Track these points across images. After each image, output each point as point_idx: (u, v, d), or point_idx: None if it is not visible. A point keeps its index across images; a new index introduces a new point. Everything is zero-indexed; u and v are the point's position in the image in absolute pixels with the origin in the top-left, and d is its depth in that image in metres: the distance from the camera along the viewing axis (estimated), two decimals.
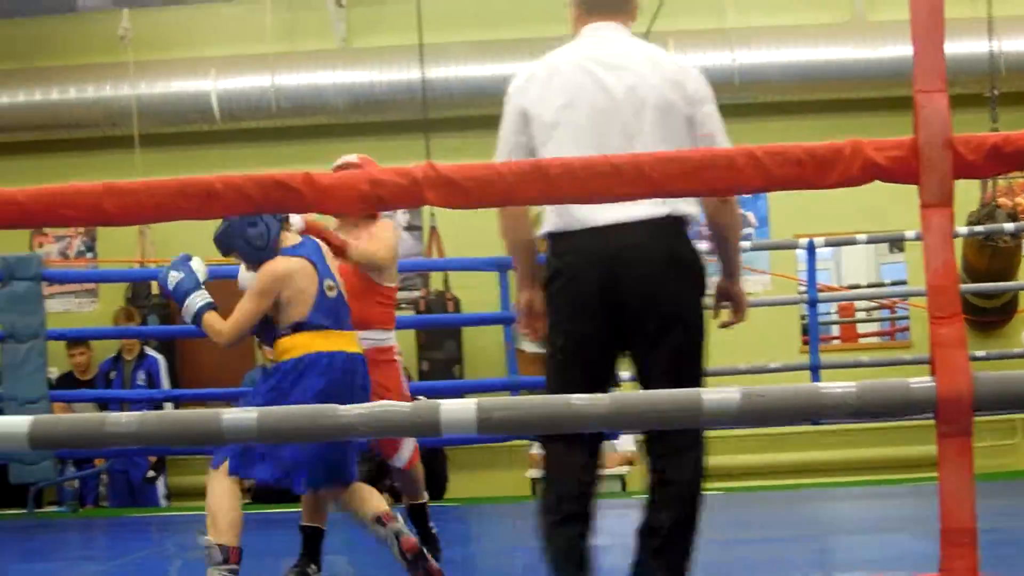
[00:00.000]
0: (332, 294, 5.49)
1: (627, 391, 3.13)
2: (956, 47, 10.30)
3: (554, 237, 4.14)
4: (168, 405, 9.75)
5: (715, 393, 2.81)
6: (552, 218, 4.14)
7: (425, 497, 6.72)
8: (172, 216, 2.91)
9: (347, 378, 5.46)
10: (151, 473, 10.64)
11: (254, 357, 11.42)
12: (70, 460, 10.04)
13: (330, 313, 5.48)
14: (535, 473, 10.20)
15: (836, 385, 2.85)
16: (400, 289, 11.68)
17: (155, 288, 11.18)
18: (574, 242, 4.06)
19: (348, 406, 2.93)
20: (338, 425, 2.89)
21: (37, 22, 11.71)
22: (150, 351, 10.68)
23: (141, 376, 10.52)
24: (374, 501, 5.67)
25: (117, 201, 2.90)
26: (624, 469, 10.22)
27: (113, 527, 8.96)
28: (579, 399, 2.88)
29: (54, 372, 10.40)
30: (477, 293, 10.57)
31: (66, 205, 2.94)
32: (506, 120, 4.28)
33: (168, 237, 11.31)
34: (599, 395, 2.88)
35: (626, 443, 10.20)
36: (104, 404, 9.91)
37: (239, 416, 2.91)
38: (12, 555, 7.61)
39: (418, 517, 6.63)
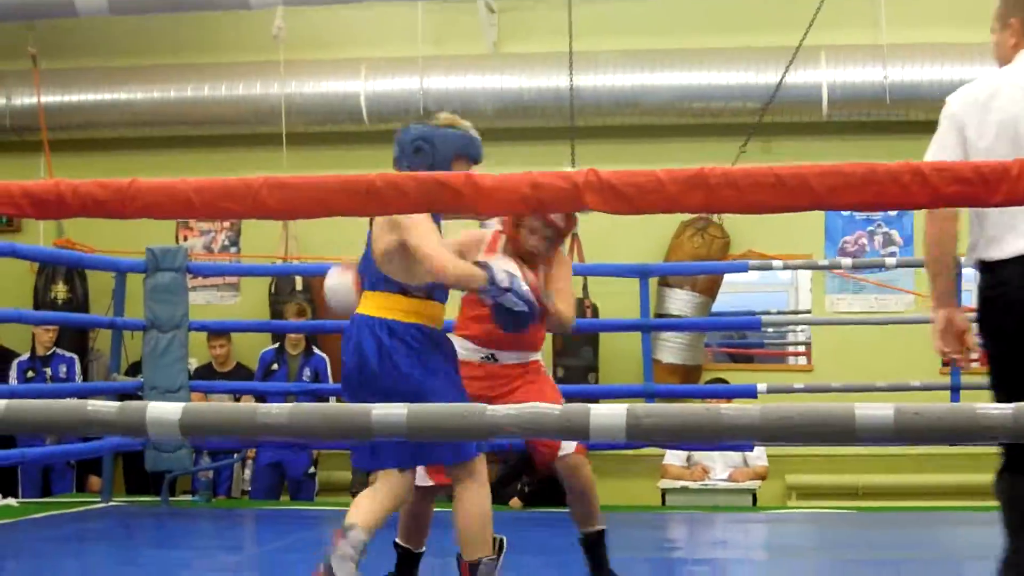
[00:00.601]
0: None
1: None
2: None
3: (989, 265, 4.15)
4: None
5: (869, 409, 2.77)
6: (984, 247, 4.13)
7: (603, 522, 5.91)
8: (331, 212, 2.93)
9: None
10: (312, 469, 10.75)
11: None
12: (205, 451, 10.17)
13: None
14: (667, 484, 10.16)
15: (993, 406, 2.80)
16: None
17: (299, 283, 11.31)
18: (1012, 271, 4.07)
19: (497, 406, 2.93)
20: (487, 424, 2.89)
21: (193, 18, 11.88)
22: (317, 349, 10.78)
23: (307, 373, 10.63)
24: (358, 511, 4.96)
25: (278, 195, 2.93)
26: (756, 484, 10.13)
27: (246, 518, 9.06)
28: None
29: (193, 363, 10.54)
30: (616, 300, 10.53)
31: (228, 198, 2.98)
32: (945, 133, 4.30)
33: (310, 234, 11.45)
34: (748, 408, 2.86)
35: (759, 457, 10.12)
36: (261, 396, 10.01)
37: (388, 412, 2.92)
38: (146, 542, 7.72)
39: (593, 549, 5.92)
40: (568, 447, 5.62)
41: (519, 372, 5.59)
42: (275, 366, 10.73)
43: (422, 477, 5.30)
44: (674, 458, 10.25)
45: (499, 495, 9.73)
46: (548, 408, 2.89)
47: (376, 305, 4.90)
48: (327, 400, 9.77)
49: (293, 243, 11.54)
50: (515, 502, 9.48)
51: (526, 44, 11.63)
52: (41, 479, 10.97)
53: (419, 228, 4.79)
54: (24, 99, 11.74)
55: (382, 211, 2.93)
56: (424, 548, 5.60)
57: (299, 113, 11.41)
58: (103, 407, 3.10)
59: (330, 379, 10.67)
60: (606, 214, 2.95)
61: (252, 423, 2.97)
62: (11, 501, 9.12)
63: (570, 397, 8.91)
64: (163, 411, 3.02)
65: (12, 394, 8.50)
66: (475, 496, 4.98)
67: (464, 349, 5.43)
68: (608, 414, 2.86)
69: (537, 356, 5.69)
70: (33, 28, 11.02)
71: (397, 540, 5.56)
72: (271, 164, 10.86)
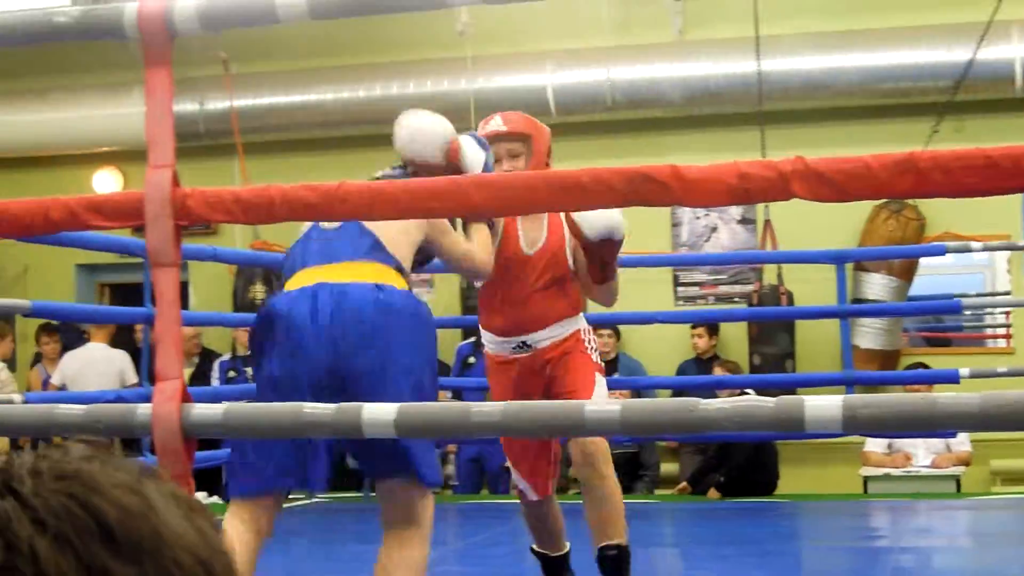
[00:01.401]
0: None
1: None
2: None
3: None
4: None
5: None
6: None
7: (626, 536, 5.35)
8: (536, 208, 2.95)
9: None
10: (507, 463, 10.78)
11: None
12: None
13: None
14: (868, 471, 10.03)
15: None
16: (733, 283, 11.64)
17: None
18: None
19: (710, 400, 2.91)
20: (701, 419, 2.87)
21: (380, 18, 11.99)
22: None
23: None
24: None
25: (485, 193, 2.94)
26: (959, 469, 9.94)
27: (449, 512, 9.14)
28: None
29: None
30: (812, 287, 10.40)
31: (435, 197, 3.00)
32: None
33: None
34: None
35: (962, 442, 9.93)
36: (458, 391, 10.05)
37: (602, 408, 2.92)
38: (348, 536, 7.83)
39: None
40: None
41: (557, 357, 5.13)
42: (472, 359, 10.79)
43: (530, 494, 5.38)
44: (875, 445, 10.10)
45: (697, 486, 9.72)
46: (763, 402, 2.87)
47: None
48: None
49: None
50: (713, 493, 9.44)
51: (712, 30, 11.53)
52: None
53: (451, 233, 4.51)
54: (217, 104, 11.96)
55: (589, 206, 2.92)
56: (566, 547, 5.54)
57: (487, 108, 11.42)
58: (320, 409, 3.15)
59: None
60: (795, 201, 2.91)
61: (466, 422, 2.99)
62: (216, 499, 9.31)
63: (768, 386, 8.85)
64: (378, 412, 3.06)
65: (216, 395, 8.67)
66: (424, 547, 4.46)
67: (492, 343, 5.27)
68: (823, 405, 2.83)
69: (575, 326, 5.22)
70: (223, 33, 11.23)
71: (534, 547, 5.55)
72: None
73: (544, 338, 5.12)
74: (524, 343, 5.11)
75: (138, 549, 0.78)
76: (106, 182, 12.80)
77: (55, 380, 10.62)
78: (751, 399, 2.92)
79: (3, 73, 12.72)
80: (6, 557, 0.76)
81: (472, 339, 10.85)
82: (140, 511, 0.80)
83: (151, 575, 0.78)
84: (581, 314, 5.30)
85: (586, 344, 5.20)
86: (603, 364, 5.37)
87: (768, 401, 2.85)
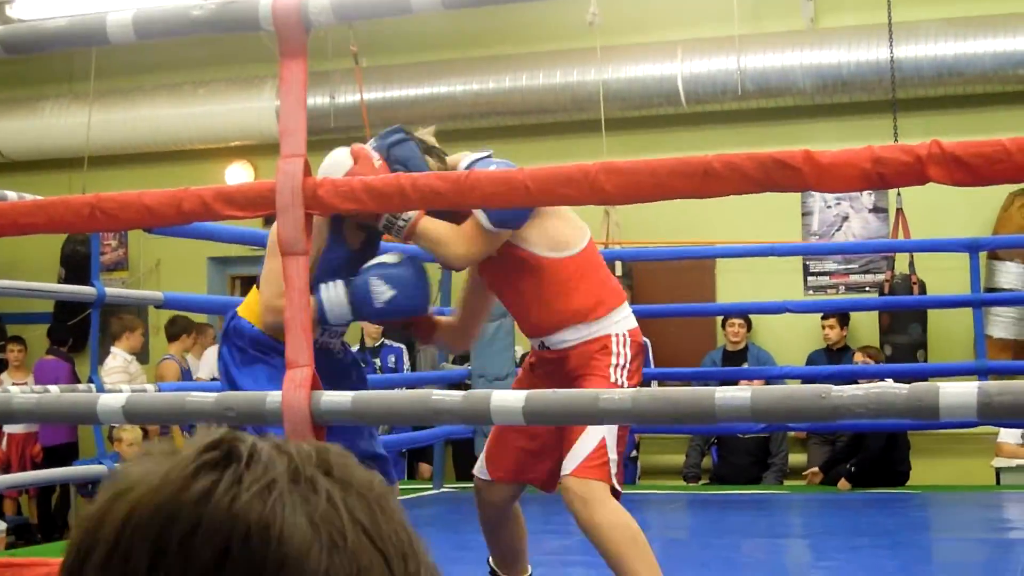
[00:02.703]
0: None
1: None
2: None
3: None
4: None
5: None
6: None
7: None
8: (668, 195, 2.92)
9: None
10: (635, 453, 10.79)
11: (716, 338, 11.46)
12: None
13: None
14: (1001, 462, 9.87)
15: None
16: (864, 272, 11.51)
17: (618, 268, 11.34)
18: None
19: (842, 387, 2.88)
20: (834, 406, 2.84)
21: (507, 9, 12.02)
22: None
23: None
24: None
25: (616, 180, 2.93)
26: None
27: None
28: None
29: (518, 350, 10.67)
30: (944, 276, 10.25)
31: (565, 184, 3.00)
32: None
33: (631, 219, 11.46)
34: None
35: None
36: None
37: (733, 395, 2.90)
38: (477, 527, 7.83)
39: None
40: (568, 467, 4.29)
41: (575, 359, 4.47)
42: None
43: (480, 467, 4.77)
44: (1009, 436, 9.93)
45: (827, 476, 9.63)
46: (896, 389, 2.83)
47: None
48: (649, 384, 9.79)
49: (615, 229, 11.57)
50: (843, 484, 9.34)
51: (843, 17, 11.40)
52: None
53: None
54: (347, 97, 12.05)
55: (721, 192, 2.90)
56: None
57: (616, 98, 11.42)
58: (448, 396, 3.16)
59: (651, 363, 10.68)
60: (927, 189, 2.86)
61: (595, 408, 2.98)
62: None
63: (900, 376, 8.74)
64: (506, 399, 3.06)
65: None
66: None
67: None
68: (958, 392, 2.79)
69: (597, 330, 4.47)
70: (352, 26, 11.29)
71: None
72: (590, 151, 10.90)
73: (557, 342, 4.54)
74: (542, 342, 4.63)
75: (348, 483, 0.85)
76: (238, 175, 12.95)
77: (202, 374, 10.79)
78: (885, 386, 2.88)
79: (137, 69, 12.93)
80: (228, 436, 0.84)
81: None
82: (366, 473, 0.88)
83: (354, 502, 0.84)
84: (605, 318, 4.51)
85: (613, 359, 4.42)
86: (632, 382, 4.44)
87: (902, 388, 2.82)
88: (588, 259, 4.54)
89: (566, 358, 4.45)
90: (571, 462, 4.10)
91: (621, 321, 4.52)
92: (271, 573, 0.78)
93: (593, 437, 4.01)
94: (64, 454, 11.14)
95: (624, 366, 4.39)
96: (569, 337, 4.45)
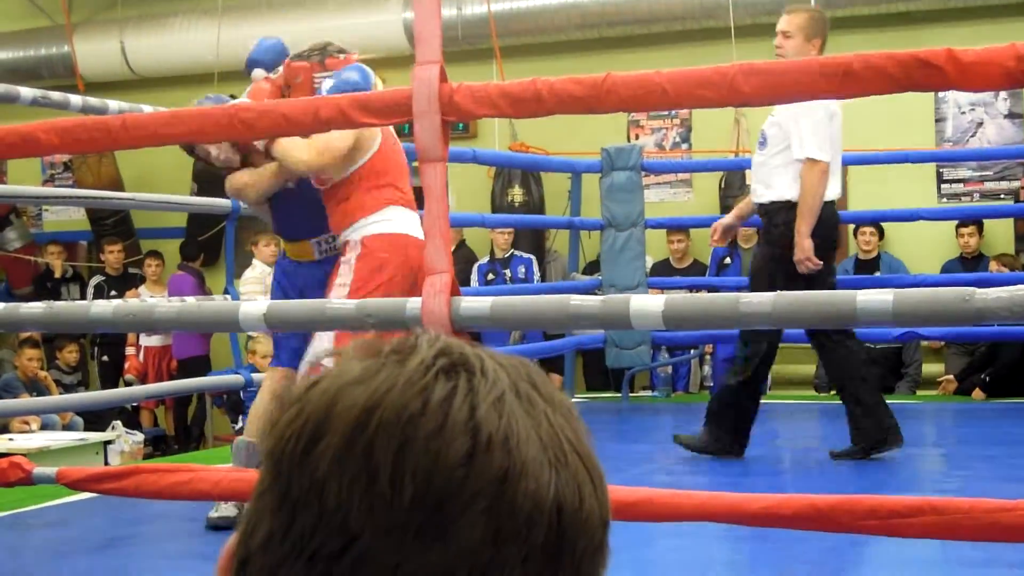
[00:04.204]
0: None
1: None
2: None
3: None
4: None
5: None
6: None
7: None
8: (808, 96, 2.89)
9: None
10: None
11: (847, 247, 11.34)
12: (663, 347, 10.24)
13: None
14: None
15: None
16: (999, 179, 11.31)
17: (748, 178, 11.22)
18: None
19: (986, 290, 2.84)
20: (977, 309, 2.80)
21: None
22: None
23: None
24: None
25: (754, 81, 2.90)
26: None
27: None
28: None
29: (649, 260, 10.65)
30: None
31: (703, 86, 2.97)
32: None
33: (760, 124, 11.32)
34: None
35: None
36: (715, 291, 10.00)
37: (875, 298, 2.87)
38: (608, 436, 7.87)
39: None
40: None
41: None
42: (728, 260, 10.74)
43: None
44: None
45: (962, 386, 9.53)
46: None
47: None
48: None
49: (744, 136, 11.46)
50: (977, 393, 9.25)
51: None
52: None
53: None
54: (475, 8, 12.01)
55: (861, 92, 2.86)
56: None
57: (746, 5, 11.26)
58: (587, 302, 3.16)
59: None
60: None
61: (735, 312, 2.97)
62: None
63: None
64: (646, 304, 3.06)
65: (477, 296, 8.77)
66: None
67: None
68: None
69: (346, 236, 5.35)
70: None
71: None
72: (719, 59, 10.77)
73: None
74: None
75: (554, 402, 0.87)
76: None
77: None
78: None
79: None
80: (453, 346, 0.86)
81: (729, 241, 10.78)
82: (556, 389, 0.89)
83: (563, 421, 0.86)
84: (352, 226, 5.35)
85: (344, 264, 5.35)
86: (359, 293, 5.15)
87: None
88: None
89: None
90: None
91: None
92: (512, 481, 0.80)
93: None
94: (197, 367, 11.32)
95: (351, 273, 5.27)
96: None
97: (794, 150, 6.23)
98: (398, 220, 5.39)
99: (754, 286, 6.39)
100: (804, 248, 6.10)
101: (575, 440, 0.86)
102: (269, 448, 0.85)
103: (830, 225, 6.42)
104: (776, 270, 6.25)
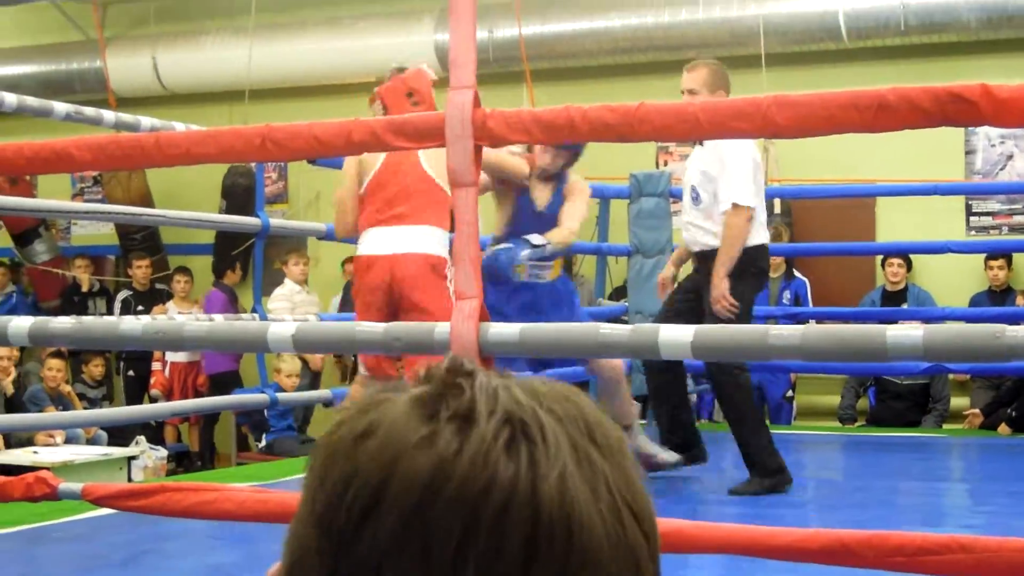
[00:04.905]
0: None
1: None
2: None
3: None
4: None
5: None
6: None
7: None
8: (840, 128, 2.88)
9: None
10: (791, 393, 10.72)
11: (875, 278, 11.32)
12: (689, 375, 10.17)
13: None
14: None
15: None
16: None
17: (777, 206, 11.22)
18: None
19: (1017, 327, 2.83)
20: (1008, 346, 2.79)
21: None
22: (798, 273, 10.73)
23: (787, 295, 10.59)
24: None
25: (788, 113, 2.90)
26: None
27: (727, 441, 9.14)
28: None
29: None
30: None
31: (737, 117, 2.97)
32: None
33: (791, 155, 11.33)
34: None
35: None
36: None
37: (905, 333, 2.87)
38: None
39: None
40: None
41: None
42: None
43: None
44: None
45: (988, 420, 9.49)
46: None
47: None
48: (806, 323, 9.71)
49: (774, 165, 11.45)
50: (1003, 428, 9.21)
51: None
52: None
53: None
54: (505, 31, 12.03)
55: (895, 126, 2.85)
56: None
57: (777, 33, 11.26)
58: (616, 330, 3.16)
59: (810, 302, 10.60)
60: None
61: (763, 344, 2.96)
62: None
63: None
64: (675, 333, 3.05)
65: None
66: None
67: None
68: None
69: None
70: None
71: None
72: (750, 86, 10.76)
73: None
74: None
75: (611, 450, 0.86)
76: None
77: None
78: None
79: (297, 3, 13.06)
80: (512, 408, 0.83)
81: None
82: (609, 422, 0.88)
83: (618, 476, 0.85)
84: None
85: None
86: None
87: None
88: None
89: None
90: None
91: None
92: (573, 570, 0.80)
93: None
94: (227, 382, 11.33)
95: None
96: None
97: (721, 195, 6.40)
98: (362, 243, 6.09)
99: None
100: (721, 288, 6.30)
101: (632, 499, 0.84)
102: (319, 513, 0.83)
103: (762, 268, 6.75)
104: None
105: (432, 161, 5.97)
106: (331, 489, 0.82)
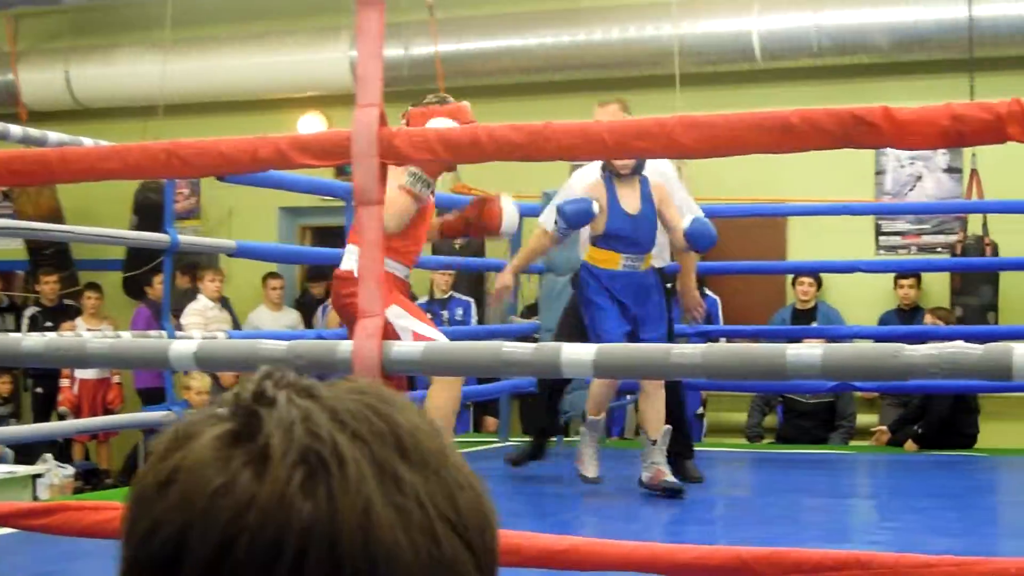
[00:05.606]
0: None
1: None
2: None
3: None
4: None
5: None
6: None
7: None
8: (746, 150, 2.90)
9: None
10: (701, 410, 10.77)
11: (785, 296, 11.41)
12: None
13: None
14: None
15: None
16: (936, 232, 11.41)
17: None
18: None
19: (915, 346, 2.86)
20: (906, 365, 2.82)
21: None
22: (709, 291, 10.79)
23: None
24: None
25: (693, 134, 2.92)
26: None
27: (631, 459, 9.18)
28: None
29: None
30: (1018, 238, 10.14)
31: (641, 137, 2.98)
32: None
33: (703, 175, 11.40)
34: None
35: None
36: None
37: (805, 352, 2.89)
38: (539, 480, 7.85)
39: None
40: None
41: None
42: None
43: None
44: None
45: (895, 438, 9.58)
46: (969, 349, 2.81)
47: None
48: (716, 341, 9.77)
49: (687, 184, 11.49)
50: (910, 445, 9.30)
51: None
52: None
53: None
54: (421, 49, 12.03)
55: (799, 148, 2.88)
56: None
57: (692, 53, 11.33)
58: (519, 348, 3.16)
59: (721, 320, 10.68)
60: (1003, 150, 2.83)
61: (666, 363, 2.98)
62: None
63: (972, 338, 8.67)
64: (577, 352, 3.06)
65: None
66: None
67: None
68: None
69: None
70: None
71: None
72: (663, 106, 10.82)
73: None
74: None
75: (425, 463, 0.83)
76: (311, 126, 12.96)
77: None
78: (957, 345, 2.86)
79: (212, 18, 12.99)
80: (308, 442, 0.80)
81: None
82: (429, 430, 0.86)
83: (434, 489, 0.82)
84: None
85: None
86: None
87: (975, 348, 2.80)
88: None
89: None
90: None
91: None
92: None
93: None
94: (157, 397, 11.23)
95: None
96: None
97: (685, 211, 6.93)
98: None
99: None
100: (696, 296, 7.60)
101: (452, 510, 0.83)
102: (130, 562, 0.82)
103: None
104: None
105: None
106: (137, 542, 0.81)
